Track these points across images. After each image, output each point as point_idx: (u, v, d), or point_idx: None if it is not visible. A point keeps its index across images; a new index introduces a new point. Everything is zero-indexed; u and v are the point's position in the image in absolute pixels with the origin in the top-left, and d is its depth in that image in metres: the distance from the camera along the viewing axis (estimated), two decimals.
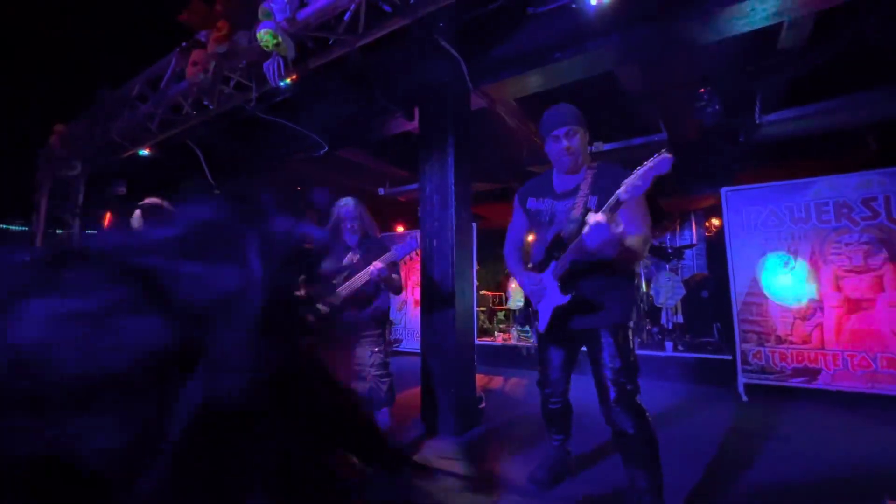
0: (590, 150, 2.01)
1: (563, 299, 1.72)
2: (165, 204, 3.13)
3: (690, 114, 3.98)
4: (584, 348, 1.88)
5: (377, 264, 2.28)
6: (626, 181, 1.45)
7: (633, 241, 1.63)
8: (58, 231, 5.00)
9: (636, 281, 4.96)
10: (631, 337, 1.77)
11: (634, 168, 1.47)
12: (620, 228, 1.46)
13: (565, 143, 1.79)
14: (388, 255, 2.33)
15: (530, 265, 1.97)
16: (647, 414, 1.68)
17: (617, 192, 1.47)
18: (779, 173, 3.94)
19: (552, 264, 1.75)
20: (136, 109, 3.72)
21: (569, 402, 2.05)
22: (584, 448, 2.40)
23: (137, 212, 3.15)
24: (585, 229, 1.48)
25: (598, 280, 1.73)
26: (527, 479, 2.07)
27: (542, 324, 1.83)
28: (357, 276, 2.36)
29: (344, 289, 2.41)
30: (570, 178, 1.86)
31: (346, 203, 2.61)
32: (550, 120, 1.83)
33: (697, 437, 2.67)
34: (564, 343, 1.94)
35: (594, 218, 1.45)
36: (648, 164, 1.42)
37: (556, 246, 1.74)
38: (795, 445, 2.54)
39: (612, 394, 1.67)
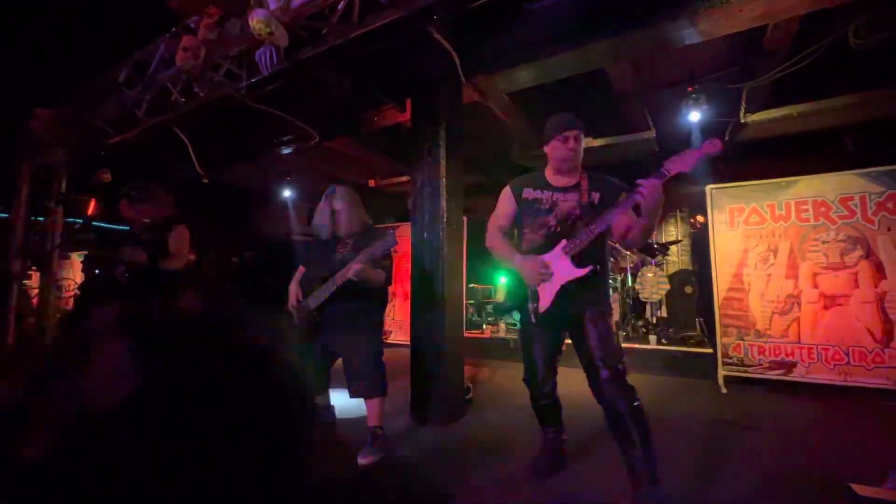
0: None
1: (580, 271, 1.80)
2: (152, 186, 3.04)
3: (678, 111, 4.06)
4: (568, 339, 1.96)
5: (356, 265, 2.20)
6: (675, 159, 1.69)
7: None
8: (39, 219, 4.89)
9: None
10: (612, 321, 1.90)
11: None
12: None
13: (573, 144, 1.93)
14: (365, 253, 2.22)
15: (523, 248, 2.01)
16: (636, 392, 1.76)
17: (665, 168, 1.68)
18: (762, 172, 4.04)
19: (562, 243, 1.85)
20: (122, 95, 3.64)
21: (557, 398, 2.12)
22: (577, 438, 2.46)
23: (124, 199, 3.08)
24: (638, 196, 1.67)
25: (602, 256, 1.89)
26: (525, 467, 2.12)
27: (545, 301, 1.86)
28: (337, 276, 2.31)
29: (324, 290, 2.38)
30: (566, 177, 1.98)
31: (335, 191, 2.53)
32: (561, 121, 1.96)
33: (678, 428, 2.77)
34: (550, 332, 1.99)
35: (651, 181, 1.65)
36: (700, 147, 1.66)
37: (566, 228, 1.89)
38: (770, 435, 2.65)
39: (604, 373, 1.76)
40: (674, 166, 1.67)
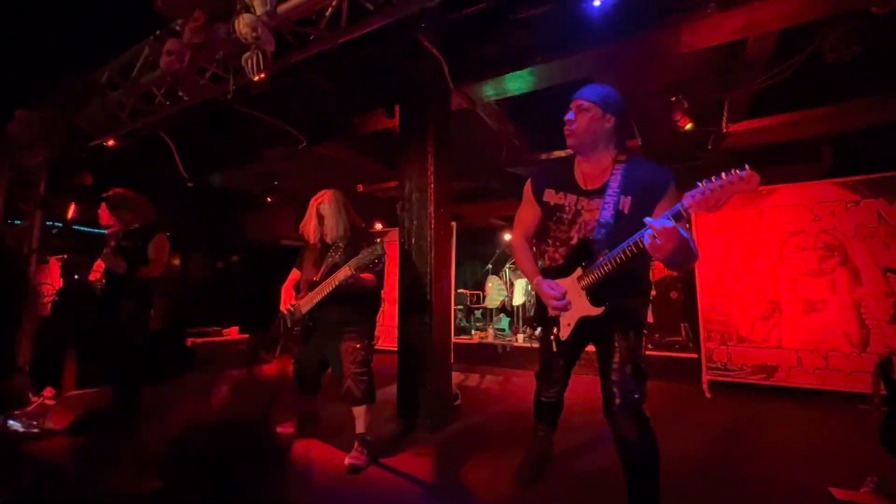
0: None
1: (594, 311, 1.60)
2: (136, 196, 3.03)
3: (663, 120, 4.13)
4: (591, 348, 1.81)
5: (344, 271, 2.18)
6: (695, 193, 1.29)
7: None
8: (17, 222, 4.76)
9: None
10: (643, 343, 1.70)
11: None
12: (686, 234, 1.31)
13: (572, 115, 1.67)
14: (354, 260, 2.16)
15: (544, 265, 1.83)
16: (651, 423, 1.63)
17: (682, 201, 1.31)
18: None
19: (577, 270, 1.64)
20: (105, 97, 3.57)
21: (563, 399, 2.07)
22: (569, 444, 2.47)
23: (103, 204, 3.03)
24: (648, 238, 1.32)
25: (625, 287, 1.63)
26: (511, 475, 2.11)
27: (565, 333, 1.70)
28: (326, 281, 2.29)
29: (314, 295, 2.36)
30: (597, 170, 1.70)
31: (324, 196, 2.49)
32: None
33: (662, 433, 2.78)
34: (577, 349, 1.88)
35: (663, 225, 1.28)
36: (728, 178, 1.25)
37: (583, 254, 1.63)
38: (752, 440, 2.70)
39: (618, 399, 1.60)
40: (696, 205, 1.28)
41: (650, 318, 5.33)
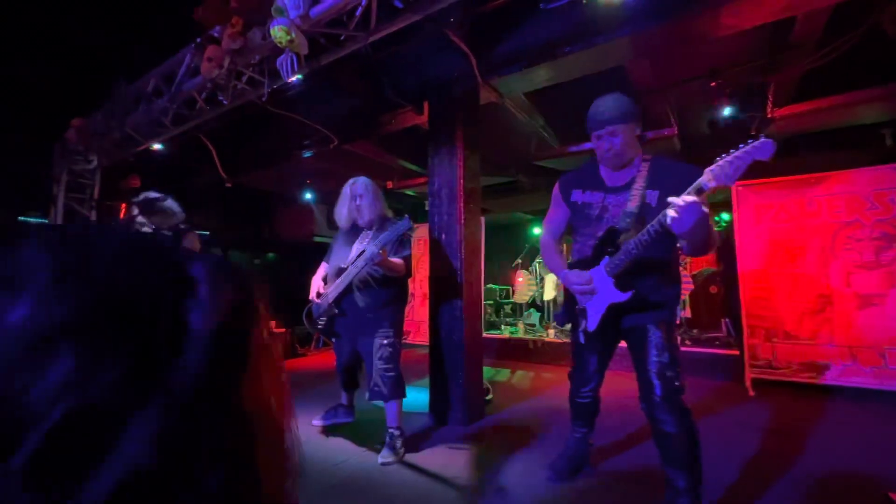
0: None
1: (622, 297, 1.62)
2: (165, 199, 3.18)
3: (701, 107, 3.95)
4: (623, 344, 1.82)
5: (371, 249, 2.17)
6: (711, 168, 1.37)
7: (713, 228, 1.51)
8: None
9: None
10: (675, 334, 1.72)
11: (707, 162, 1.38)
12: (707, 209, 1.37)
13: (607, 144, 1.72)
14: (380, 239, 2.19)
15: (572, 260, 1.88)
16: (691, 414, 1.63)
17: (700, 179, 1.38)
18: (790, 168, 3.91)
19: (604, 259, 1.67)
20: (150, 104, 3.78)
21: (598, 398, 2.05)
22: (603, 441, 2.43)
23: (135, 207, 3.22)
24: (671, 212, 1.37)
25: (654, 276, 1.67)
26: (545, 467, 2.11)
27: (593, 323, 1.73)
28: (352, 266, 2.29)
29: (341, 281, 2.37)
30: (621, 171, 1.77)
31: (357, 181, 2.52)
32: (592, 119, 1.75)
33: (706, 432, 2.70)
34: (607, 342, 1.88)
35: (684, 199, 1.35)
36: (745, 148, 1.32)
37: (609, 241, 1.67)
38: (801, 441, 2.56)
39: (658, 391, 1.61)
40: (716, 178, 1.35)
41: (687, 314, 5.15)
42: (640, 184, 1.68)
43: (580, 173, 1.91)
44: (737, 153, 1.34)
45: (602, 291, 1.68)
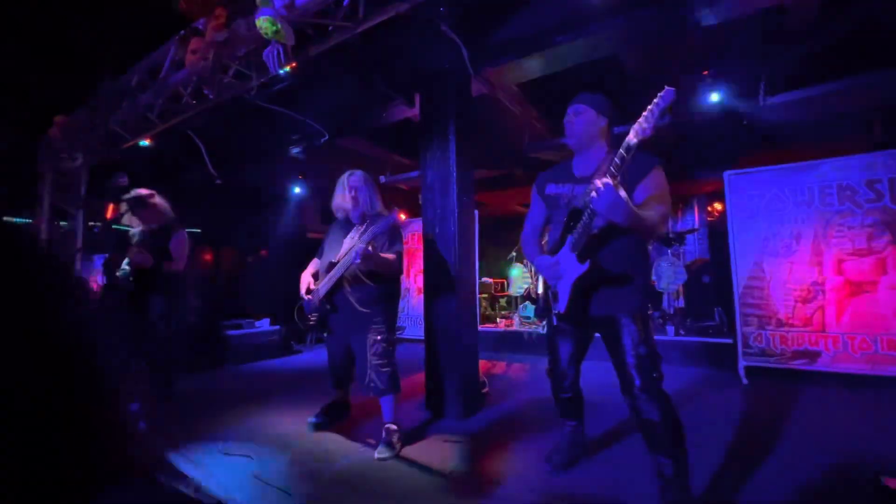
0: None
1: (581, 268, 1.70)
2: (153, 197, 3.15)
3: (694, 97, 3.94)
4: (598, 336, 1.87)
5: (360, 245, 2.15)
6: (633, 127, 1.49)
7: (650, 213, 1.59)
8: (61, 223, 5.02)
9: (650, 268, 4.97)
10: (650, 325, 1.76)
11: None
12: (624, 193, 1.47)
13: (569, 122, 1.87)
14: (368, 233, 2.18)
15: (547, 249, 1.96)
16: (671, 401, 1.65)
17: (626, 139, 1.50)
18: (782, 156, 3.91)
19: (568, 239, 1.75)
20: (135, 99, 3.70)
21: (579, 391, 2.07)
22: (598, 431, 2.44)
23: (124, 205, 3.19)
24: (593, 192, 1.49)
25: (613, 249, 1.73)
26: (543, 459, 2.11)
27: (563, 303, 1.78)
28: (342, 261, 2.28)
29: (332, 275, 2.35)
30: (590, 161, 1.86)
31: (354, 173, 2.50)
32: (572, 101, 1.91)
33: (700, 420, 2.71)
34: (578, 331, 1.92)
35: (600, 181, 1.47)
36: (654, 101, 1.47)
37: (572, 219, 1.75)
38: (795, 427, 2.58)
39: (637, 381, 1.64)
40: (636, 133, 1.48)
41: (681, 304, 5.18)
42: (602, 171, 1.75)
43: (555, 169, 2.02)
44: (649, 107, 1.47)
45: (567, 269, 1.76)
